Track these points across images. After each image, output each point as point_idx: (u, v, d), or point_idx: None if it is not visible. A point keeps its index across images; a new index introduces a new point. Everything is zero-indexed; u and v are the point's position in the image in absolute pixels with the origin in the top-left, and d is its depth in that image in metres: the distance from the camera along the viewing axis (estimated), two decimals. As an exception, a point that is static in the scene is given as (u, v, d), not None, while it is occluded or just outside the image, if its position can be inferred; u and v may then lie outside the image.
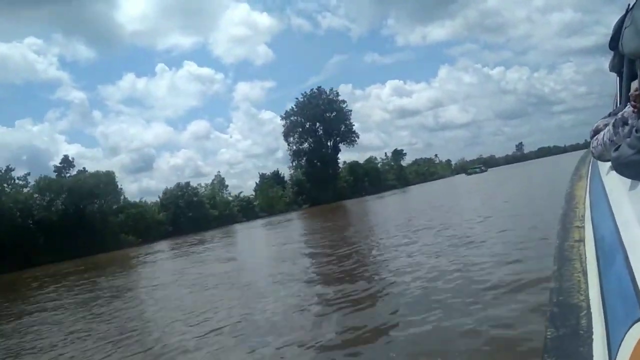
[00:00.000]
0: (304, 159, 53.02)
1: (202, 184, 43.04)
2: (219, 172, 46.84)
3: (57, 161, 36.64)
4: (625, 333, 0.59)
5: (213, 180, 44.44)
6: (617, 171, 1.18)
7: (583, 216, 1.48)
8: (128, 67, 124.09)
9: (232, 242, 21.88)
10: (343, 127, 55.00)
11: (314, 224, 23.47)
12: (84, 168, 36.71)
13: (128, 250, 28.54)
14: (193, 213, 37.92)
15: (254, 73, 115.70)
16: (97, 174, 34.67)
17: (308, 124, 54.30)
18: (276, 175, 50.73)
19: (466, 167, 75.52)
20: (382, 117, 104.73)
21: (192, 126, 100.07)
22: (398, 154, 63.87)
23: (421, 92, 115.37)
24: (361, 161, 58.01)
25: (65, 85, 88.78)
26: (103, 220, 32.91)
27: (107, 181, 34.19)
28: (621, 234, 0.84)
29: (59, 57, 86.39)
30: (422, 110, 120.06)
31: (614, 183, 1.28)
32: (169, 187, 39.60)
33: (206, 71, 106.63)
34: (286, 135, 54.32)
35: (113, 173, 35.22)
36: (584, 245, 1.17)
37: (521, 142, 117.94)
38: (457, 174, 73.80)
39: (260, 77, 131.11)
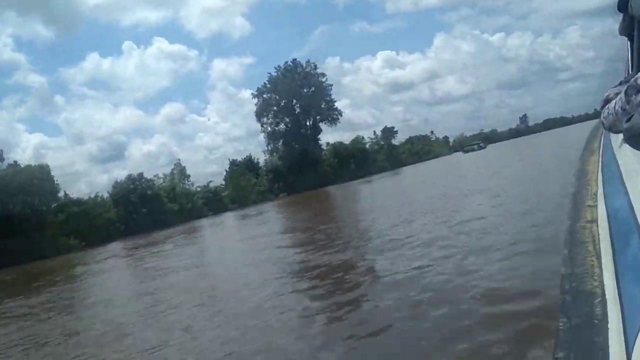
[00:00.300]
0: (281, 141, 50.37)
1: (160, 175, 40.24)
2: (178, 160, 43.74)
3: (18, 154, 33.74)
4: None
5: (172, 169, 41.61)
6: (629, 144, 1.19)
7: (595, 194, 1.48)
8: (91, 47, 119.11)
9: (187, 243, 19.79)
10: (323, 104, 52.40)
11: (288, 217, 22.28)
12: (15, 162, 33.80)
13: (68, 257, 26.39)
14: (148, 209, 35.25)
15: (231, 48, 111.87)
16: (29, 169, 31.83)
17: (283, 101, 51.53)
18: (249, 161, 48.03)
19: (465, 144, 73.81)
20: (374, 92, 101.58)
21: (166, 109, 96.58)
22: (388, 132, 61.45)
23: (415, 64, 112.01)
24: (350, 142, 55.53)
25: (23, 69, 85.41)
26: (39, 222, 30.21)
27: (41, 176, 31.34)
28: (636, 213, 0.86)
29: (14, 37, 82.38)
30: (417, 83, 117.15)
31: (628, 157, 1.33)
32: (118, 180, 36.75)
33: (178, 48, 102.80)
34: (259, 116, 51.61)
35: (48, 167, 32.46)
36: (597, 225, 1.18)
37: (525, 114, 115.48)
38: (456, 151, 71.77)
39: (238, 52, 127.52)
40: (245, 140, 77.86)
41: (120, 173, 61.75)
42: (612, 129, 1.69)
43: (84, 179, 60.68)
